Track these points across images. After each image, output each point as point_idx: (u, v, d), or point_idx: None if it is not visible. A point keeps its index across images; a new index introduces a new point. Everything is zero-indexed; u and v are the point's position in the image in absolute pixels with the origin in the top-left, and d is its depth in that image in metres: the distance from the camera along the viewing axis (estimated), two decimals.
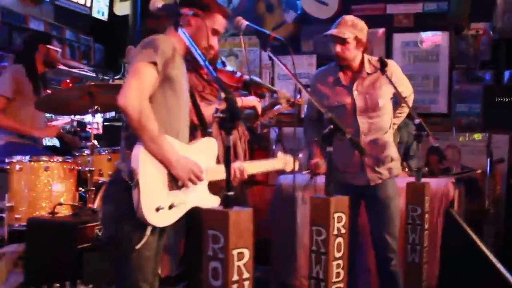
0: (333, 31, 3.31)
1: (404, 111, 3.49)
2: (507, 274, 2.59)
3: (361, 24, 3.31)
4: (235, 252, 1.72)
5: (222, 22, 2.50)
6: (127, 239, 2.22)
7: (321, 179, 3.40)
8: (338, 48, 3.29)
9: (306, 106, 3.94)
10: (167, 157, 2.18)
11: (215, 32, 2.47)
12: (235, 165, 2.66)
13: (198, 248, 2.63)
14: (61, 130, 4.23)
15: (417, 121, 3.10)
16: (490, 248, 4.47)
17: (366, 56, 3.40)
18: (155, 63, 2.16)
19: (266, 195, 5.49)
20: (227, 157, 1.79)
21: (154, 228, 2.24)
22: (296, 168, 3.13)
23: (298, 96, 5.61)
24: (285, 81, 6.03)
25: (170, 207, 2.24)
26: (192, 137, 2.62)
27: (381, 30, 5.69)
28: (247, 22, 2.59)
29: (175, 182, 2.24)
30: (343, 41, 3.26)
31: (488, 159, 4.58)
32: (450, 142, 5.26)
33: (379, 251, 3.29)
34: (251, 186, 5.58)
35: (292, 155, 3.22)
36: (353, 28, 3.26)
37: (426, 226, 3.08)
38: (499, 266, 2.64)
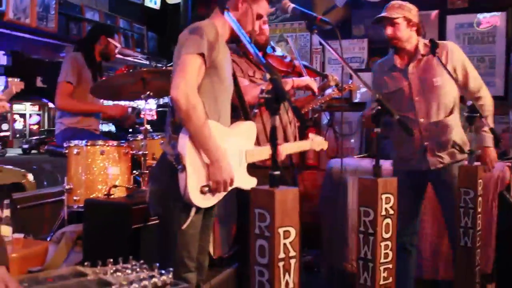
0: (382, 14, 3.36)
1: (481, 103, 3.32)
2: None
3: (409, 5, 3.34)
4: (281, 230, 1.73)
5: (266, 7, 2.53)
6: (173, 219, 2.32)
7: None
8: (389, 30, 3.33)
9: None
10: (210, 155, 2.25)
11: (259, 16, 2.50)
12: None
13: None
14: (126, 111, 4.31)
15: (469, 102, 3.03)
16: None
17: (422, 40, 3.39)
18: (202, 54, 2.22)
19: (318, 180, 5.49)
20: (272, 137, 1.80)
21: (198, 208, 2.31)
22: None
23: (350, 82, 5.58)
24: (336, 65, 5.96)
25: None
26: (235, 118, 2.66)
27: (434, 13, 5.53)
28: (293, 5, 2.59)
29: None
30: (392, 23, 3.29)
31: None
32: (508, 125, 5.09)
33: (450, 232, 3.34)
34: (302, 171, 5.59)
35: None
36: (401, 9, 3.30)
37: (479, 210, 3.00)
38: None
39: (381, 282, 2.23)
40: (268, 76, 1.82)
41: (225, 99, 2.46)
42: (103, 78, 4.41)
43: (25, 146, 23.48)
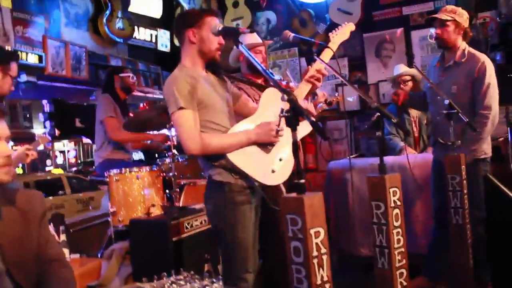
0: (435, 15, 3.20)
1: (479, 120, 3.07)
2: None
3: (461, 10, 3.17)
4: (312, 231, 1.64)
5: (212, 23, 2.28)
6: (231, 228, 2.23)
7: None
8: (438, 30, 3.17)
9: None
10: (247, 142, 2.19)
11: (213, 34, 2.28)
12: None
13: (272, 233, 2.59)
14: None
15: (446, 101, 2.91)
16: None
17: (464, 45, 3.19)
18: (182, 108, 2.13)
19: (318, 180, 5.40)
20: (295, 151, 1.71)
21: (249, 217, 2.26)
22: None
23: (336, 94, 5.51)
24: (323, 83, 5.86)
25: (280, 160, 2.25)
26: None
27: (399, 30, 5.47)
28: (293, 34, 2.50)
29: (266, 145, 2.23)
30: (442, 24, 3.13)
31: (508, 128, 4.31)
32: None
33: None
34: (305, 174, 5.49)
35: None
36: (453, 13, 3.13)
37: (465, 191, 2.89)
38: None
39: (397, 264, 2.13)
40: (285, 97, 1.72)
41: (223, 112, 2.32)
42: (130, 114, 4.33)
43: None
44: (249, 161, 2.18)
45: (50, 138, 3.41)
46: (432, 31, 4.80)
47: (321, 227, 1.67)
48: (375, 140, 3.62)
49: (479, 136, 3.07)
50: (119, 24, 5.33)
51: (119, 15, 5.34)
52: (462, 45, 3.19)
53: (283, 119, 2.18)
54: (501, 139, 4.36)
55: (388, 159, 4.08)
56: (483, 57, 3.14)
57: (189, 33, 2.26)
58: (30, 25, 4.21)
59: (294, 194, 1.69)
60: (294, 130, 1.68)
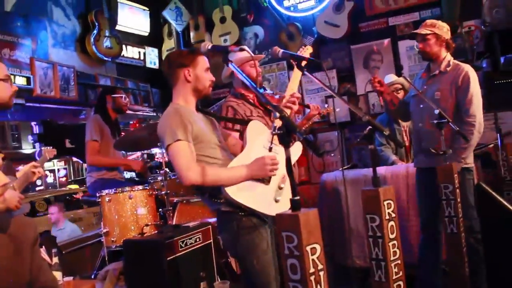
0: (416, 30, 3.29)
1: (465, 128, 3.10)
2: None
3: (440, 23, 3.25)
4: (308, 248, 1.63)
5: (204, 60, 2.41)
6: (249, 253, 2.23)
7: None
8: (420, 44, 3.26)
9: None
10: (245, 178, 2.19)
11: (207, 69, 2.40)
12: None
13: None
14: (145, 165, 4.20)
15: (436, 111, 2.93)
16: None
17: (449, 57, 3.27)
18: (179, 140, 2.16)
19: (311, 191, 5.41)
20: (288, 167, 1.71)
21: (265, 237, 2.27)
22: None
23: (326, 106, 5.54)
24: (313, 95, 5.93)
25: (280, 188, 2.28)
26: None
27: (387, 40, 5.54)
28: (282, 50, 2.51)
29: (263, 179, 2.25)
30: (423, 38, 3.21)
31: (498, 134, 4.36)
32: None
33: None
34: (298, 186, 5.49)
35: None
36: (432, 27, 3.22)
37: (459, 200, 2.90)
38: None
39: (394, 277, 2.11)
40: (277, 114, 1.73)
41: (218, 147, 2.37)
42: (122, 133, 4.31)
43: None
44: (251, 195, 2.20)
45: (55, 150, 3.39)
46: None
47: (317, 243, 1.67)
48: (366, 150, 3.66)
49: (467, 144, 3.10)
50: (106, 43, 5.32)
51: (107, 34, 5.34)
52: (448, 56, 3.28)
53: (278, 149, 2.27)
54: (491, 145, 4.40)
55: (380, 169, 4.10)
56: (467, 67, 3.23)
57: (184, 72, 2.33)
58: (17, 48, 4.20)
59: (289, 211, 1.68)
60: (287, 147, 1.68)
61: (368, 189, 2.16)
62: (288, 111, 2.59)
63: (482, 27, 4.95)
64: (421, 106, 3.17)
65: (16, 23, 4.28)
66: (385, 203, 2.11)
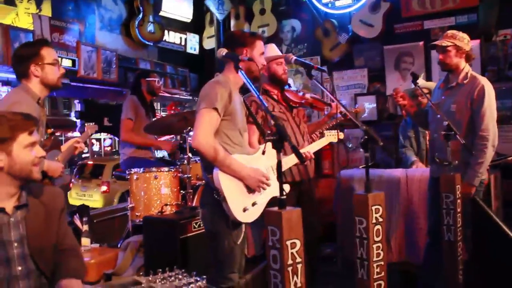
0: (436, 42, 3.35)
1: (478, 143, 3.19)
2: None
3: (461, 35, 3.29)
4: (288, 242, 1.81)
5: (261, 45, 2.61)
6: (224, 234, 2.42)
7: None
8: (440, 55, 3.32)
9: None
10: (239, 175, 2.36)
11: (261, 54, 2.60)
12: (303, 150, 2.93)
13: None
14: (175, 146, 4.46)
15: (445, 123, 3.03)
16: None
17: (468, 68, 3.33)
18: (215, 108, 2.32)
19: (332, 185, 5.54)
20: (279, 170, 1.91)
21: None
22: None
23: (357, 106, 5.65)
24: (343, 91, 6.04)
25: (253, 204, 2.42)
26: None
27: (420, 43, 5.56)
28: (295, 57, 2.69)
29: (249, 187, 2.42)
30: (443, 50, 3.28)
31: None
32: None
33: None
34: (321, 179, 5.67)
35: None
36: (453, 38, 3.27)
37: (459, 210, 3.00)
38: None
39: (375, 276, 2.28)
40: (272, 122, 1.92)
41: (238, 134, 2.53)
42: (156, 115, 4.60)
43: None
44: (231, 188, 2.35)
45: (97, 126, 3.70)
46: None
47: (297, 239, 1.86)
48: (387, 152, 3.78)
49: (478, 160, 3.17)
50: (150, 28, 5.62)
51: (150, 20, 5.63)
52: (466, 67, 3.32)
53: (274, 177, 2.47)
54: (510, 158, 4.42)
55: (397, 172, 4.23)
56: (483, 80, 3.26)
57: (242, 51, 2.52)
58: (65, 32, 4.55)
59: (275, 209, 1.89)
60: (279, 151, 1.89)
61: (358, 194, 2.34)
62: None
63: None
64: (438, 116, 3.21)
65: (67, 8, 4.63)
66: (373, 208, 2.28)
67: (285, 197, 1.89)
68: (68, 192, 4.51)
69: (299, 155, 1.87)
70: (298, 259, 1.87)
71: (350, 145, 5.89)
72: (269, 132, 1.92)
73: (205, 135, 2.31)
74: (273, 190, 2.51)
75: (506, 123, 4.86)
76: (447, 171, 3.03)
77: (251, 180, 2.38)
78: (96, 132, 3.79)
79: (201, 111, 2.35)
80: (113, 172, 4.46)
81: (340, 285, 4.06)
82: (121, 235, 4.26)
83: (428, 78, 5.43)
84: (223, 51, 2.40)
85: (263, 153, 2.14)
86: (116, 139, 5.63)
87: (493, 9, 4.92)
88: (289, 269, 1.84)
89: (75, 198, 4.42)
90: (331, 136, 3.34)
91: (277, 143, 1.88)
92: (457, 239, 3.02)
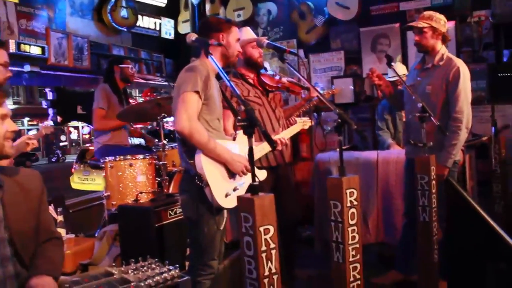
0: (412, 23, 3.35)
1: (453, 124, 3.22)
2: (498, 228, 2.55)
3: (438, 16, 3.29)
4: (261, 228, 1.80)
5: (237, 31, 2.64)
6: (204, 221, 2.41)
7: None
8: (417, 37, 3.32)
9: None
10: (223, 158, 2.36)
11: (237, 40, 2.62)
12: (277, 137, 2.90)
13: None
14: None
15: (419, 104, 3.04)
16: (499, 202, 4.38)
17: (443, 49, 3.33)
18: (197, 92, 2.31)
19: (311, 168, 5.57)
20: (250, 156, 1.88)
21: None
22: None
23: (333, 87, 5.65)
24: (320, 74, 6.03)
25: (234, 189, 2.43)
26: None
27: (396, 25, 5.56)
28: (267, 41, 2.66)
29: (231, 172, 2.42)
30: (420, 31, 3.27)
31: (493, 127, 4.42)
32: None
33: None
34: (299, 162, 5.68)
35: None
36: (429, 20, 3.26)
37: (434, 191, 3.03)
38: (490, 221, 2.59)
39: (351, 259, 2.30)
40: (242, 107, 1.89)
41: (216, 119, 2.53)
42: (130, 102, 4.53)
43: None
44: (214, 173, 2.35)
45: (54, 127, 3.63)
46: None
47: (270, 225, 1.85)
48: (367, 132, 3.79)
49: (452, 142, 3.20)
50: (123, 13, 5.49)
51: (123, 4, 5.50)
52: (442, 49, 3.33)
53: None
54: (485, 138, 4.48)
55: (373, 154, 4.26)
56: (459, 62, 3.27)
57: (218, 37, 2.52)
58: (34, 18, 4.41)
59: (248, 195, 1.87)
60: (250, 137, 1.87)
61: (332, 177, 2.34)
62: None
63: (490, 18, 4.94)
64: (413, 98, 3.22)
65: None
66: (348, 191, 2.28)
67: (257, 183, 1.88)
68: (71, 177, 4.45)
69: (270, 141, 1.85)
70: (272, 245, 1.86)
71: (328, 128, 5.90)
72: (239, 118, 1.88)
73: (189, 118, 2.29)
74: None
75: (481, 104, 4.90)
76: (422, 153, 3.06)
77: (235, 165, 2.38)
78: (69, 120, 3.72)
79: (182, 94, 2.32)
80: (88, 161, 4.38)
81: (320, 267, 4.10)
82: (98, 225, 4.22)
83: (404, 59, 5.45)
84: (192, 36, 2.37)
85: (234, 139, 2.10)
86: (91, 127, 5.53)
87: None
88: (263, 255, 1.83)
89: (77, 182, 4.35)
90: (303, 123, 3.32)
91: (248, 129, 1.85)
92: (432, 219, 3.06)
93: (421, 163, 3.07)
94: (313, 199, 4.63)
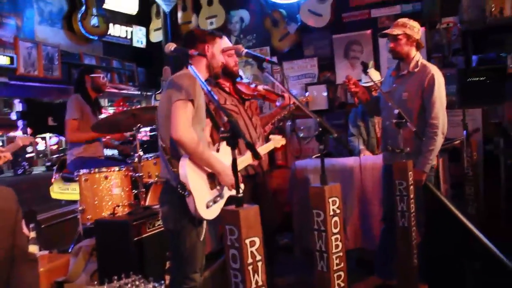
0: (387, 30, 3.37)
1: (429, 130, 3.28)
2: (474, 229, 2.60)
3: (412, 23, 3.32)
4: (247, 241, 1.79)
5: (221, 42, 2.64)
6: (186, 232, 2.38)
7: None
8: (391, 44, 3.35)
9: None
10: (216, 170, 2.34)
11: (221, 51, 2.64)
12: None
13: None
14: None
15: (396, 111, 3.07)
16: (472, 204, 4.48)
17: (418, 56, 3.38)
18: (192, 100, 2.29)
19: (286, 176, 5.57)
20: (234, 168, 1.87)
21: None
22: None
23: (307, 94, 5.67)
24: (294, 81, 6.05)
25: (215, 201, 2.40)
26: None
27: (368, 31, 5.65)
28: (246, 50, 2.64)
29: (214, 182, 2.40)
30: (394, 38, 3.30)
31: (464, 131, 4.52)
32: None
33: None
34: (274, 170, 5.68)
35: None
36: (404, 27, 3.30)
37: (412, 196, 3.07)
38: (467, 223, 2.64)
39: (335, 268, 2.29)
40: (225, 118, 1.87)
41: (201, 130, 2.51)
42: (103, 112, 4.45)
43: (48, 163, 23.42)
44: (197, 183, 2.31)
45: (32, 137, 3.52)
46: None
47: (256, 237, 1.83)
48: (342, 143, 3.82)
49: (429, 147, 3.25)
50: (93, 21, 5.39)
51: (94, 12, 5.40)
52: (417, 56, 3.39)
53: None
54: (457, 141, 4.57)
55: (350, 160, 4.29)
56: (434, 69, 3.33)
57: (203, 47, 2.52)
58: (1, 27, 4.29)
59: (232, 207, 1.85)
60: (233, 148, 1.85)
61: (314, 186, 2.34)
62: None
63: (459, 25, 5.07)
64: (389, 104, 3.26)
65: (1, 1, 4.35)
66: (330, 200, 2.29)
67: (242, 195, 1.86)
68: (50, 187, 4.30)
69: (254, 151, 1.83)
70: (258, 257, 1.85)
71: (301, 135, 5.93)
72: (222, 129, 1.86)
73: (186, 127, 2.27)
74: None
75: (452, 108, 5.01)
76: (400, 159, 3.10)
77: (226, 177, 2.35)
78: (40, 132, 3.62)
79: (177, 102, 2.29)
80: (60, 174, 4.25)
81: (300, 273, 4.09)
82: (72, 240, 4.10)
83: (377, 65, 5.53)
84: (171, 46, 2.34)
85: (217, 150, 2.08)
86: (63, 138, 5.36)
87: None
88: (250, 268, 1.81)
89: (57, 192, 4.20)
90: (274, 142, 3.32)
91: (231, 140, 1.84)
92: (411, 224, 3.09)
93: (399, 169, 3.10)
94: (290, 206, 4.64)
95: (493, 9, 4.63)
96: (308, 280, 3.93)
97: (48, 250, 3.71)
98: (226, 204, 2.45)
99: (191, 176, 2.29)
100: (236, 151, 1.86)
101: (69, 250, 3.95)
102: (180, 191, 2.27)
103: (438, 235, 2.83)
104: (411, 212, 3.09)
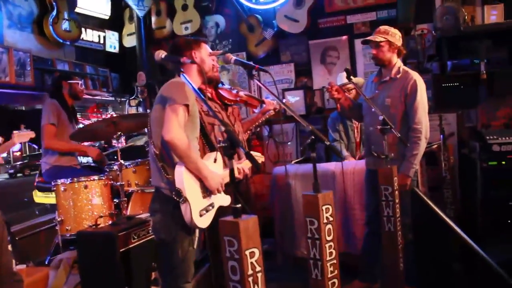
0: (369, 37, 3.41)
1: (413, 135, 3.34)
2: (461, 232, 2.66)
3: (393, 31, 3.40)
4: (247, 252, 1.78)
5: (207, 47, 2.70)
6: (178, 242, 2.37)
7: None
8: (374, 50, 3.41)
9: None
10: (203, 174, 2.33)
11: (209, 54, 2.69)
12: (239, 166, 2.82)
13: (218, 234, 2.72)
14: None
15: (380, 117, 3.12)
16: (450, 207, 4.59)
17: (399, 63, 3.44)
18: (186, 105, 2.29)
19: (265, 181, 5.60)
20: (232, 177, 1.85)
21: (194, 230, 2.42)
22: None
23: (284, 100, 5.70)
24: (271, 87, 6.02)
25: (207, 210, 2.39)
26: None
27: (344, 37, 5.71)
28: (235, 57, 2.63)
29: (206, 191, 2.39)
30: (377, 45, 3.35)
31: (441, 135, 4.63)
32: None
33: None
34: (254, 175, 5.67)
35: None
36: (385, 34, 3.36)
37: (397, 201, 3.12)
38: (454, 225, 2.70)
39: (329, 275, 2.31)
40: (222, 128, 1.86)
41: (195, 138, 2.52)
42: (79, 120, 4.34)
43: (11, 171, 22.64)
44: (192, 190, 2.31)
45: (33, 133, 3.41)
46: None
47: (256, 248, 1.82)
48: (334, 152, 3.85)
49: (413, 152, 3.31)
50: (65, 25, 5.26)
51: (66, 17, 5.27)
52: (398, 62, 3.46)
53: None
54: (435, 145, 4.67)
55: (331, 165, 4.33)
56: (415, 75, 3.41)
57: (190, 54, 2.55)
58: None
59: (230, 218, 1.83)
60: (230, 158, 1.83)
61: (308, 194, 2.34)
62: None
63: (433, 32, 5.19)
64: (373, 110, 3.28)
65: None
66: (324, 207, 2.30)
67: (240, 205, 1.84)
68: (33, 192, 4.17)
69: (253, 160, 1.82)
70: (258, 268, 1.84)
71: (278, 140, 5.94)
72: (220, 139, 1.84)
73: (178, 129, 2.26)
74: (220, 199, 2.51)
75: (429, 113, 5.12)
76: (384, 164, 3.14)
77: (212, 182, 2.36)
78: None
79: (172, 106, 2.29)
80: (35, 184, 4.13)
81: (282, 280, 4.09)
82: (48, 251, 3.98)
83: (353, 71, 5.59)
84: (161, 54, 2.31)
85: (215, 161, 2.07)
86: (36, 146, 5.17)
87: (411, 5, 5.15)
88: (250, 279, 1.80)
89: (40, 197, 4.08)
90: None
91: (228, 150, 1.82)
92: (397, 228, 3.14)
93: (384, 174, 3.14)
94: (270, 212, 4.64)
95: (466, 17, 4.77)
96: (293, 285, 3.94)
97: (24, 263, 3.57)
98: (217, 214, 2.42)
99: (188, 181, 2.28)
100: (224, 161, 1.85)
101: (46, 262, 3.84)
102: (175, 198, 2.25)
103: (426, 239, 2.87)
104: (397, 217, 3.13)
